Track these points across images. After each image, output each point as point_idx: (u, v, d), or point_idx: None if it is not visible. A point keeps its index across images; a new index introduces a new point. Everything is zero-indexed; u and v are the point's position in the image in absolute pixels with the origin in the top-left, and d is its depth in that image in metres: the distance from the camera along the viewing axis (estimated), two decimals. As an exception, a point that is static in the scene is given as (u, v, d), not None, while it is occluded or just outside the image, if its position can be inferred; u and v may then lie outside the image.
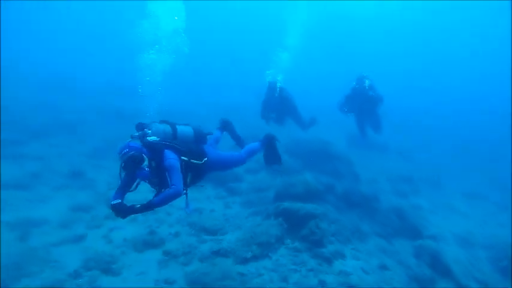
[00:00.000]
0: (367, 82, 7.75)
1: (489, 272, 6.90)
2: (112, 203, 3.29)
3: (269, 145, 4.88)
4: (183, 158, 3.60)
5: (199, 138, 4.11)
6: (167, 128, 3.80)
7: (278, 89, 7.94)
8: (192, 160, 3.69)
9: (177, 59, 5.59)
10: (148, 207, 3.18)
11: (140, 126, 3.63)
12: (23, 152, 10.30)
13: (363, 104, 7.90)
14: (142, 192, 3.82)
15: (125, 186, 3.47)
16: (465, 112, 27.18)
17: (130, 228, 6.51)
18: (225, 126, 4.95)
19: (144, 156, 3.35)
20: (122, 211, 3.21)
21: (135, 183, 3.52)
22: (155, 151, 3.43)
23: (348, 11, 38.90)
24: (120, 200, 3.33)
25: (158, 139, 3.57)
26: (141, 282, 4.98)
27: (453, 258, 6.59)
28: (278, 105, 8.09)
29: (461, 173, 13.89)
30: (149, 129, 3.61)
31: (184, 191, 3.53)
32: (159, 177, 3.43)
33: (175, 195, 3.25)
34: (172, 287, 4.91)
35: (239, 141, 4.99)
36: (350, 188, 8.28)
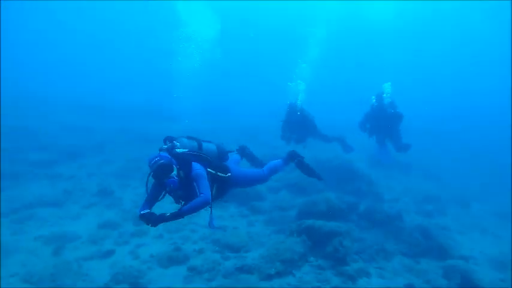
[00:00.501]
0: (386, 99, 7.73)
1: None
2: (141, 212, 3.47)
3: (300, 165, 4.95)
4: (209, 170, 3.78)
5: (222, 155, 4.29)
6: (193, 143, 4.01)
7: (299, 109, 8.09)
8: (218, 173, 3.86)
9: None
10: (178, 215, 3.33)
11: (169, 139, 3.84)
12: (56, 171, 10.88)
13: (382, 122, 7.89)
14: (164, 205, 3.99)
15: (153, 196, 3.62)
16: (487, 125, 26.27)
17: (156, 244, 6.69)
18: (243, 152, 5.13)
19: (174, 165, 3.52)
20: (152, 220, 3.37)
21: (162, 194, 3.69)
22: (184, 161, 3.60)
23: (363, 19, 38.98)
24: (148, 210, 3.51)
25: (187, 150, 3.76)
26: (167, 297, 5.08)
27: (486, 279, 6.32)
28: (299, 125, 8.21)
29: (490, 191, 13.38)
30: (177, 143, 3.81)
31: (209, 205, 3.68)
32: (186, 189, 3.56)
33: (205, 203, 3.40)
34: (198, 302, 4.98)
35: (258, 165, 5.12)
36: (373, 207, 8.18)
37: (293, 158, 4.91)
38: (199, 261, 5.95)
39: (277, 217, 8.02)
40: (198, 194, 3.43)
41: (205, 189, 3.47)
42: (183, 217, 3.38)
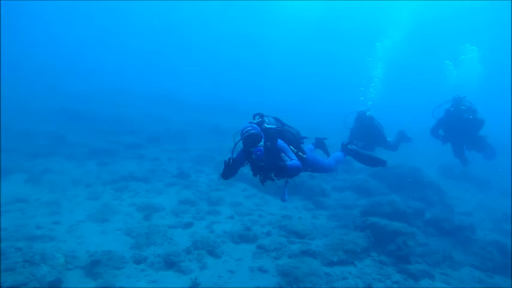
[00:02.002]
0: (465, 104, 7.14)
1: None
2: (224, 174, 4.04)
3: (355, 155, 5.31)
4: (291, 147, 4.26)
5: (299, 139, 4.76)
6: (278, 123, 4.53)
7: (368, 118, 7.93)
8: (298, 152, 4.34)
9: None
10: (283, 167, 3.77)
11: (259, 115, 4.37)
12: (142, 153, 12.44)
13: (460, 128, 7.38)
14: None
15: (237, 162, 4.14)
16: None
17: (228, 224, 7.44)
18: (319, 143, 5.56)
19: (262, 136, 4.01)
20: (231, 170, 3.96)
21: (245, 163, 4.18)
22: (271, 135, 4.08)
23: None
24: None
25: (274, 126, 4.28)
26: (239, 267, 5.74)
27: None
28: (366, 134, 8.10)
29: None
30: (266, 119, 4.33)
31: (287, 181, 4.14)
32: (269, 159, 3.97)
33: (299, 167, 3.86)
34: (266, 275, 5.55)
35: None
36: (441, 215, 7.99)
37: (347, 148, 5.29)
38: (267, 242, 6.53)
39: (341, 214, 8.27)
40: (289, 159, 3.90)
41: (295, 157, 3.95)
42: (286, 171, 3.79)
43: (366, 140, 8.35)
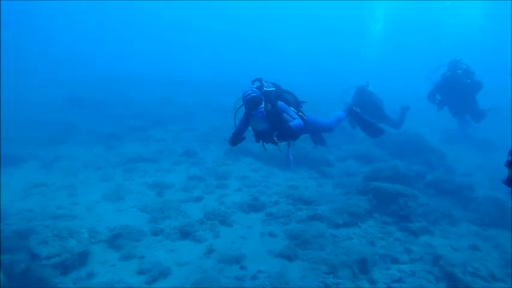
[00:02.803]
0: (461, 67, 6.94)
1: None
2: (230, 138, 4.20)
3: (358, 119, 5.50)
4: (291, 108, 4.40)
5: (297, 102, 4.82)
6: (277, 87, 4.60)
7: (368, 93, 7.86)
8: (299, 113, 4.49)
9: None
10: (287, 128, 3.96)
11: (257, 81, 4.46)
12: (148, 135, 12.74)
13: (457, 92, 7.36)
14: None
15: (241, 128, 4.29)
16: None
17: (237, 195, 7.79)
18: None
19: (263, 99, 4.14)
20: (238, 139, 4.15)
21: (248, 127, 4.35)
22: (271, 98, 4.21)
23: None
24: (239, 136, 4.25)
25: (274, 89, 4.41)
26: (250, 233, 6.12)
27: None
28: (366, 110, 8.03)
29: None
30: (265, 83, 4.44)
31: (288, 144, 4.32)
32: (271, 121, 4.13)
33: (301, 125, 4.04)
34: (276, 239, 5.93)
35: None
36: (442, 177, 8.27)
37: (351, 109, 5.50)
38: (275, 210, 6.89)
39: (345, 181, 8.58)
40: (291, 119, 4.07)
41: (297, 116, 4.12)
42: (291, 131, 3.98)
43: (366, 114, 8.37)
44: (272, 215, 6.70)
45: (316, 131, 5.13)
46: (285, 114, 4.14)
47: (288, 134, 4.07)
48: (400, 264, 5.39)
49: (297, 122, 4.07)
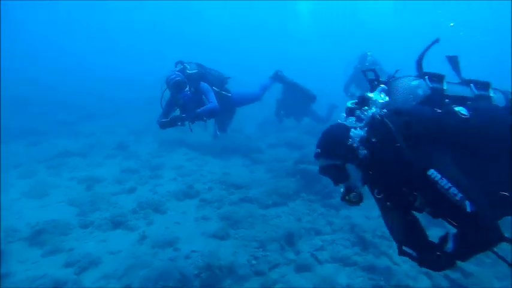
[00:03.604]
0: (369, 59, 7.59)
1: None
2: (159, 121, 4.41)
3: (285, 81, 5.98)
4: (214, 88, 4.69)
5: (223, 80, 5.15)
6: (200, 68, 4.85)
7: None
8: (222, 91, 4.79)
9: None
10: (194, 116, 4.23)
11: (180, 62, 4.66)
12: (76, 130, 12.00)
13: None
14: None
15: (168, 110, 4.50)
16: None
17: (171, 185, 7.82)
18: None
19: (186, 83, 4.37)
20: (170, 121, 4.30)
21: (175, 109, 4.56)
22: (194, 80, 4.46)
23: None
24: (166, 119, 4.43)
25: (196, 71, 4.63)
26: (184, 219, 6.27)
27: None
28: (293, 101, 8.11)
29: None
30: (187, 65, 4.65)
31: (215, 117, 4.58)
32: (197, 103, 4.40)
33: (214, 108, 4.32)
34: (208, 222, 6.16)
35: None
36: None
37: (278, 75, 6.00)
38: (209, 196, 7.10)
39: (276, 166, 9.09)
40: (207, 102, 4.37)
41: (213, 99, 4.41)
42: (197, 117, 4.24)
43: (293, 106, 8.66)
44: (206, 200, 6.90)
45: (245, 103, 5.47)
46: (203, 97, 4.39)
47: (200, 117, 4.32)
48: (323, 235, 5.99)
49: (208, 106, 4.38)
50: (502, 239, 1.67)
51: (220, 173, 8.49)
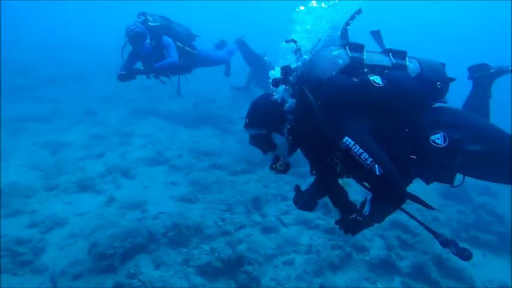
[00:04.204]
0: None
1: None
2: (119, 73, 4.29)
3: (244, 46, 6.11)
4: (178, 43, 4.61)
5: (189, 36, 5.04)
6: (164, 21, 4.69)
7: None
8: (185, 47, 4.71)
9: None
10: (151, 70, 4.17)
11: (142, 14, 4.49)
12: (37, 95, 11.40)
13: None
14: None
15: (129, 63, 4.38)
16: None
17: (141, 152, 7.77)
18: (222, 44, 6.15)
19: (147, 35, 4.24)
20: (128, 74, 4.23)
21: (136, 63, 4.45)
22: (156, 33, 4.32)
23: None
24: (125, 72, 4.33)
25: (159, 24, 4.48)
26: (153, 183, 6.32)
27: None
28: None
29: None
30: (150, 17, 4.48)
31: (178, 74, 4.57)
32: (158, 57, 4.30)
33: (173, 63, 4.24)
34: (178, 186, 6.26)
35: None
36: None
37: (239, 40, 6.32)
38: (179, 162, 7.16)
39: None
40: (168, 56, 4.28)
41: (174, 54, 4.32)
42: (155, 71, 4.16)
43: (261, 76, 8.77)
44: (175, 166, 6.97)
45: (210, 64, 5.46)
46: (164, 51, 4.31)
47: (159, 71, 4.26)
48: (289, 200, 6.28)
49: (166, 61, 4.28)
50: (407, 196, 1.84)
51: (190, 142, 8.52)
